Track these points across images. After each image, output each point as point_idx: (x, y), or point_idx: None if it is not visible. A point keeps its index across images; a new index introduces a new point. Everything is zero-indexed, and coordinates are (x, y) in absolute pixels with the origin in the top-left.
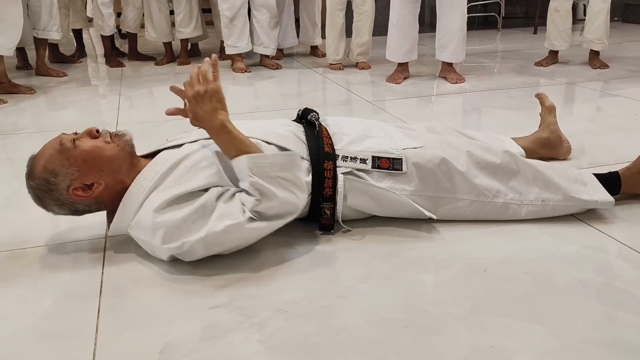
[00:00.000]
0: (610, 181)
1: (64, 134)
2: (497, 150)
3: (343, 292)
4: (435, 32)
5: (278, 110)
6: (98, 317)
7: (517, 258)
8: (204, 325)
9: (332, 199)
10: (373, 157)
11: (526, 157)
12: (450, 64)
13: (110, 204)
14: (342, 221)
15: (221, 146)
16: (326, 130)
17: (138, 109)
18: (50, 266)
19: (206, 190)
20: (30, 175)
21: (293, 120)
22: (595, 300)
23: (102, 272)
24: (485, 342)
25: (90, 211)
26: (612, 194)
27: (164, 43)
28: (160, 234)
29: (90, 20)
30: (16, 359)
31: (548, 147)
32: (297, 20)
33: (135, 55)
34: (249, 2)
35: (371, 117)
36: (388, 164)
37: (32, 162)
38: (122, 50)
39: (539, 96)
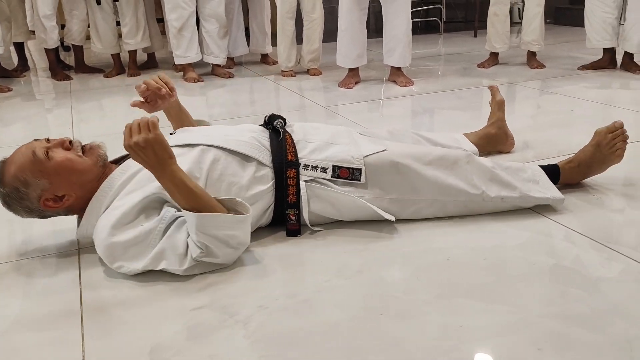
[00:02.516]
0: (551, 173)
1: (36, 140)
2: (455, 152)
3: (319, 286)
4: (380, 37)
5: (232, 119)
6: (82, 325)
7: (476, 246)
8: (188, 325)
9: (297, 205)
10: (333, 166)
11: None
12: (399, 68)
13: (80, 210)
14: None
15: (171, 195)
16: (291, 137)
17: (91, 122)
18: (26, 279)
19: (160, 203)
20: (0, 181)
21: (260, 125)
22: (547, 280)
23: (80, 282)
24: (454, 322)
25: (59, 215)
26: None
27: (111, 54)
28: (106, 252)
29: (32, 32)
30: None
31: (494, 142)
32: (246, 29)
33: (82, 67)
34: (197, 12)
35: (325, 122)
36: (347, 174)
37: (2, 168)
38: (67, 62)
39: (491, 89)
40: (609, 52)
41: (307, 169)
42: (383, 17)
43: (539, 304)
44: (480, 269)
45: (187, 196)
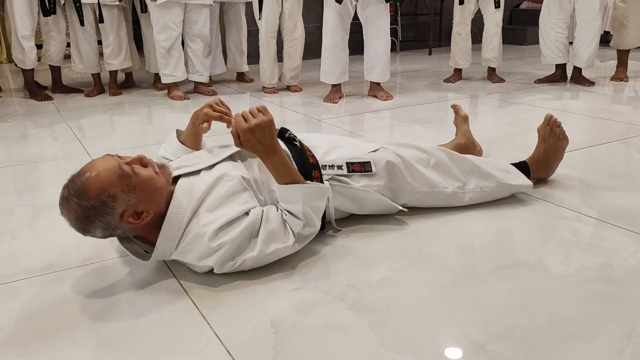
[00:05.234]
0: (522, 169)
1: (109, 155)
2: (437, 151)
3: (390, 268)
4: (355, 55)
5: (222, 135)
6: (198, 309)
7: (506, 229)
8: (293, 303)
9: None
10: (347, 163)
11: None
12: (378, 83)
13: (147, 231)
14: (334, 221)
15: (274, 172)
16: (304, 144)
17: (98, 139)
18: (122, 276)
19: (247, 213)
20: (81, 195)
21: None
22: (577, 252)
23: (173, 273)
24: (517, 287)
25: (122, 235)
26: None
27: (92, 74)
28: (216, 256)
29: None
30: (143, 343)
31: (465, 151)
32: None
33: (60, 87)
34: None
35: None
36: (360, 168)
37: (85, 181)
38: (40, 83)
39: (454, 107)
40: (561, 68)
41: (325, 169)
42: (364, 36)
43: (578, 271)
44: (519, 246)
45: (292, 173)
